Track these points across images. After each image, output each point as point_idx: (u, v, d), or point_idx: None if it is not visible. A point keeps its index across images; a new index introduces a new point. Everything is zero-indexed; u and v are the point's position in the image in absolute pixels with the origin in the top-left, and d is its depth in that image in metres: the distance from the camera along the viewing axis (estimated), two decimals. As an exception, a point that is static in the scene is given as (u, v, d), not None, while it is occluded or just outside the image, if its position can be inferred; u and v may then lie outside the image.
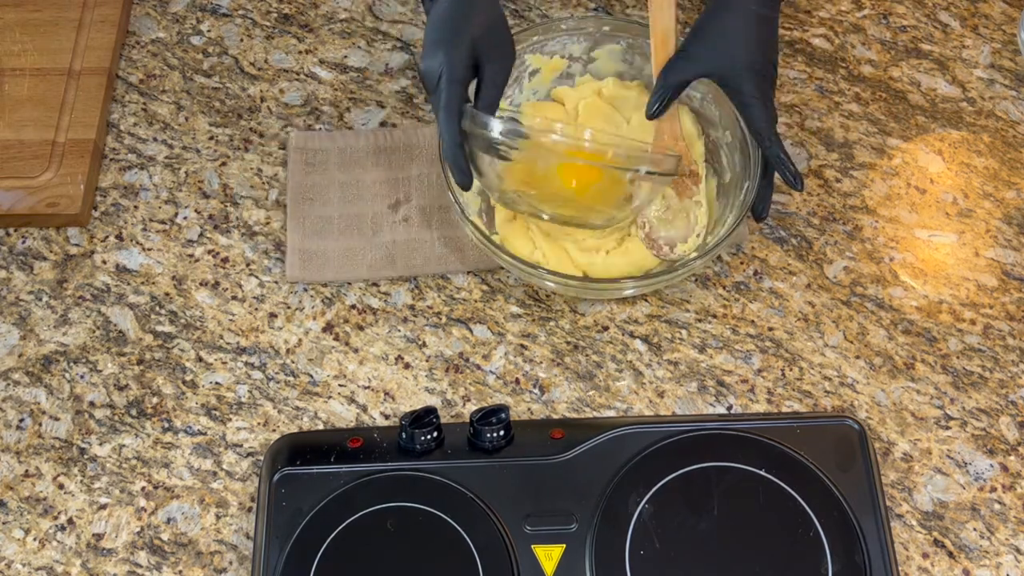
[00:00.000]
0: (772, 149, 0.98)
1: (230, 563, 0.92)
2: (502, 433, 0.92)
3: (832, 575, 0.87)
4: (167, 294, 1.04)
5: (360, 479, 0.92)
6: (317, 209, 1.08)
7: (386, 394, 1.00)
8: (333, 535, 0.89)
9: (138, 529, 0.94)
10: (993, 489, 0.95)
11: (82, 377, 1.00)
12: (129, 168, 1.11)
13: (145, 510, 0.94)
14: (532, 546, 0.89)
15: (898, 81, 1.16)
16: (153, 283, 1.05)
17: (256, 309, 1.04)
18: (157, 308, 1.04)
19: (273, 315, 1.03)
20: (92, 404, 0.99)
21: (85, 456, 0.97)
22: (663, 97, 1.00)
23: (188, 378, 1.00)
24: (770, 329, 1.03)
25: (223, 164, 1.11)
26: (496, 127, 0.93)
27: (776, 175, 1.00)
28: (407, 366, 1.01)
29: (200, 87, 1.15)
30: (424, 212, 1.08)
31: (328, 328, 1.03)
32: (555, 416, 0.98)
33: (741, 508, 0.90)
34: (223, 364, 1.01)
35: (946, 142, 1.12)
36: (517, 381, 1.00)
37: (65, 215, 1.06)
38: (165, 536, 0.93)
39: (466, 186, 0.96)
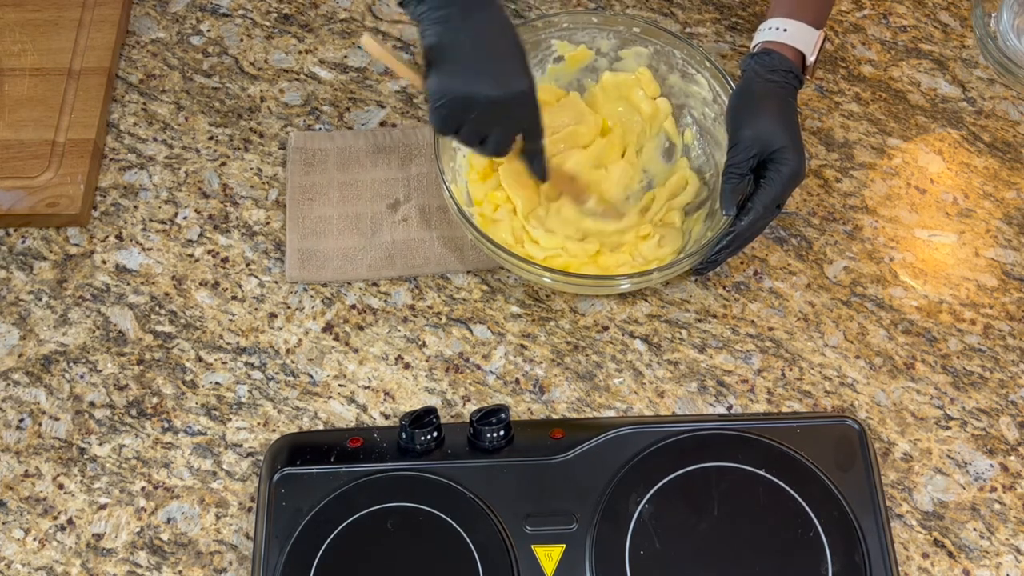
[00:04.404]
0: (739, 224, 0.97)
1: (230, 563, 0.92)
2: (502, 433, 0.92)
3: (832, 575, 0.87)
4: (167, 294, 1.04)
5: (360, 479, 0.92)
6: (316, 209, 1.08)
7: (386, 394, 1.00)
8: (333, 535, 0.89)
9: (138, 529, 0.94)
10: (993, 489, 0.95)
11: (82, 377, 1.00)
12: (129, 168, 1.11)
13: (145, 510, 0.94)
14: (532, 546, 0.89)
15: (898, 81, 1.16)
16: (153, 283, 1.05)
17: (256, 309, 1.04)
18: (157, 308, 1.04)
19: (273, 315, 1.03)
20: (92, 404, 0.99)
21: (85, 456, 0.97)
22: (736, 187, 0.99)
23: (188, 378, 1.00)
24: (770, 329, 1.03)
25: (223, 164, 1.11)
26: None
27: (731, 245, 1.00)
28: (407, 366, 1.01)
29: (200, 87, 1.15)
30: (423, 212, 1.08)
31: (328, 328, 1.03)
32: (555, 416, 0.98)
33: (741, 508, 0.90)
34: (223, 364, 1.01)
35: (946, 142, 1.12)
36: (517, 381, 1.00)
37: (65, 215, 1.06)
38: (165, 536, 0.93)
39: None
